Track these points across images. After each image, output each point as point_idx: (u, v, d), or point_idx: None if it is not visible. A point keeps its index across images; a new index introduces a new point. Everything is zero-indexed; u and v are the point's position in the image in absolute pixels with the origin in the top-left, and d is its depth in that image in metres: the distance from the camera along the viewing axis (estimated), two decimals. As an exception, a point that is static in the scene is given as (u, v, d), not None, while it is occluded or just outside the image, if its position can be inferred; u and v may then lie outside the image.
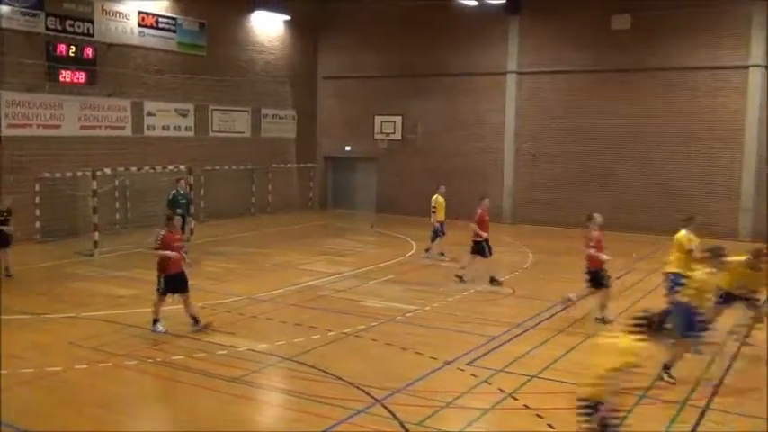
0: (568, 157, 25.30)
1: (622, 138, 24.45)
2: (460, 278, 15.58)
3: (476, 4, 25.20)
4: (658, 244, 20.05)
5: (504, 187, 26.30)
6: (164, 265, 11.26)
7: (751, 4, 22.17)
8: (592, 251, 12.34)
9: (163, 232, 11.43)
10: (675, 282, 10.90)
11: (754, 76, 22.38)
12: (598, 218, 12.67)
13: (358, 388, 8.89)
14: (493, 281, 15.36)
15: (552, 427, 7.83)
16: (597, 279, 12.42)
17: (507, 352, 10.65)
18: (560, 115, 25.45)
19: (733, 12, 22.54)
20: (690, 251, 11.24)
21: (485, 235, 15.45)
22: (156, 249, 11.32)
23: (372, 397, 8.59)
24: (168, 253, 11.16)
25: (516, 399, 8.71)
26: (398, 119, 28.36)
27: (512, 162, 26.49)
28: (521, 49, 26.03)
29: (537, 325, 12.27)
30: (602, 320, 12.33)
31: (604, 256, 12.36)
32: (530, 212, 25.92)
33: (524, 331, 11.86)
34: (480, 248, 15.44)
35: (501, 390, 8.97)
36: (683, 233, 11.79)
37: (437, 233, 18.14)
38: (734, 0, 22.38)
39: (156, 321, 11.36)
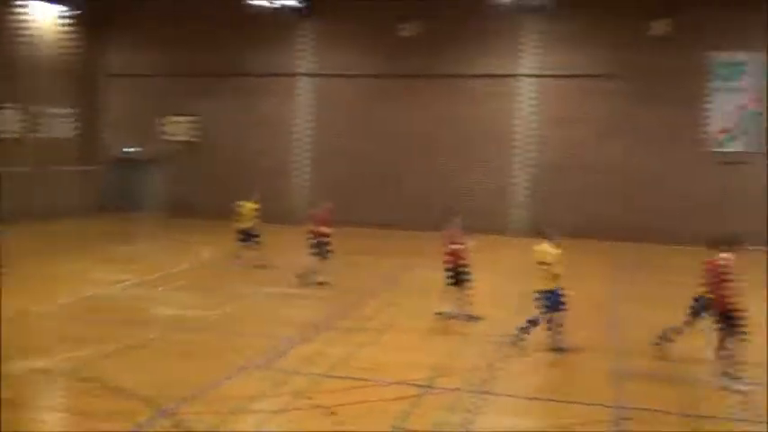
0: (362, 159, 25.97)
1: (410, 140, 25.58)
2: (321, 284, 15.47)
3: (269, 5, 25.14)
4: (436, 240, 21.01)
5: (300, 188, 26.50)
6: None
7: (522, 19, 24.20)
8: (454, 247, 12.64)
9: None
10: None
11: (526, 85, 24.50)
12: (457, 218, 12.97)
13: (143, 400, 8.49)
14: (303, 277, 15.49)
15: (344, 424, 7.99)
16: (459, 276, 12.67)
17: (300, 353, 10.70)
18: (353, 118, 26.12)
19: (507, 24, 24.43)
20: (542, 263, 10.93)
21: (329, 231, 15.64)
22: None
23: (158, 408, 8.24)
24: None
25: (310, 398, 8.77)
26: (191, 119, 27.56)
27: (308, 163, 26.76)
28: (315, 52, 26.43)
29: (330, 325, 12.46)
30: (448, 315, 12.69)
31: (469, 244, 12.64)
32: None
33: (317, 332, 11.98)
34: (317, 247, 15.61)
35: (294, 391, 9.00)
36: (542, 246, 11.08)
37: (245, 238, 17.70)
38: (508, 14, 24.23)
39: None
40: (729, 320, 9.53)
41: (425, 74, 25.28)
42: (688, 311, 10.56)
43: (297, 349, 10.91)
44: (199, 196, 26.65)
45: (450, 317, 12.63)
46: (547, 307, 10.92)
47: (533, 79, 24.53)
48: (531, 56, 24.48)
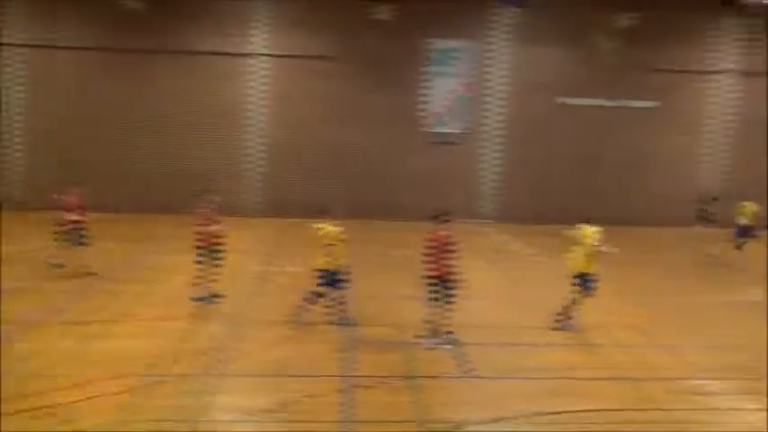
0: (87, 139, 24.06)
1: (140, 119, 24.33)
2: (59, 266, 14.46)
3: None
4: (169, 222, 20.11)
5: (14, 168, 24.12)
6: None
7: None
8: (208, 228, 12.47)
9: None
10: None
11: (257, 64, 24.57)
12: (213, 196, 12.74)
13: None
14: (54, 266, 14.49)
15: (68, 424, 7.59)
16: (212, 256, 12.54)
17: (16, 351, 9.79)
18: (75, 94, 24.14)
19: (240, 3, 24.24)
20: (325, 242, 11.26)
21: (81, 217, 14.61)
22: None
23: None
24: None
25: (26, 400, 8.13)
26: None
27: (21, 143, 24.36)
28: (25, 21, 23.93)
29: (54, 319, 11.53)
30: (212, 298, 12.59)
31: (215, 227, 12.53)
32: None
33: (40, 327, 11.06)
34: (69, 234, 14.55)
35: (9, 394, 8.26)
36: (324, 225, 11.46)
37: None
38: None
39: None
40: (446, 286, 10.53)
41: (154, 49, 24.17)
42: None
43: (12, 347, 9.99)
44: None
45: (209, 300, 12.55)
46: (327, 285, 11.32)
47: (264, 58, 24.61)
48: (262, 35, 24.51)
